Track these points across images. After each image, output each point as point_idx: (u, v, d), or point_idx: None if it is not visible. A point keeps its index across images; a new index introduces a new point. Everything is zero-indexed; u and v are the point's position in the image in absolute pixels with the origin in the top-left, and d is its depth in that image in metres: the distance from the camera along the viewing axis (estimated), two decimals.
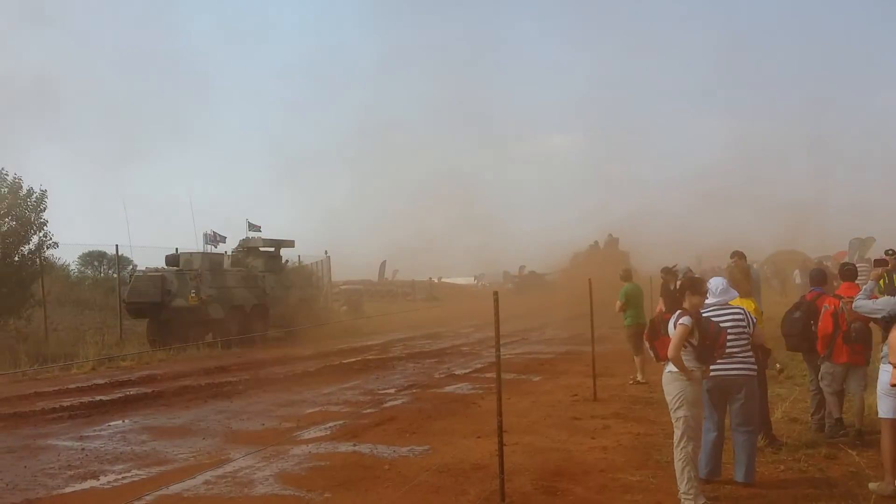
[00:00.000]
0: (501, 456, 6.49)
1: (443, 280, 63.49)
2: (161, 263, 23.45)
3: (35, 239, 20.29)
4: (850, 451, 7.82)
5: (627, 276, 13.55)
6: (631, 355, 13.32)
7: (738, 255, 10.27)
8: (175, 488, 7.36)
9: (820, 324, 8.42)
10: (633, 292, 13.18)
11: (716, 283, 7.05)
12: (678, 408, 6.28)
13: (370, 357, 18.82)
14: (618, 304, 13.19)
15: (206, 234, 27.21)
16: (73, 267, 32.93)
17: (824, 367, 8.46)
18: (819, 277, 9.19)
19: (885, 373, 6.56)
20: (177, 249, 23.66)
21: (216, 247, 26.57)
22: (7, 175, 19.66)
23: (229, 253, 25.92)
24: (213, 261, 23.34)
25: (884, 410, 6.64)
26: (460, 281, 66.18)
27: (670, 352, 6.23)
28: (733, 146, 77.95)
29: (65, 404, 12.50)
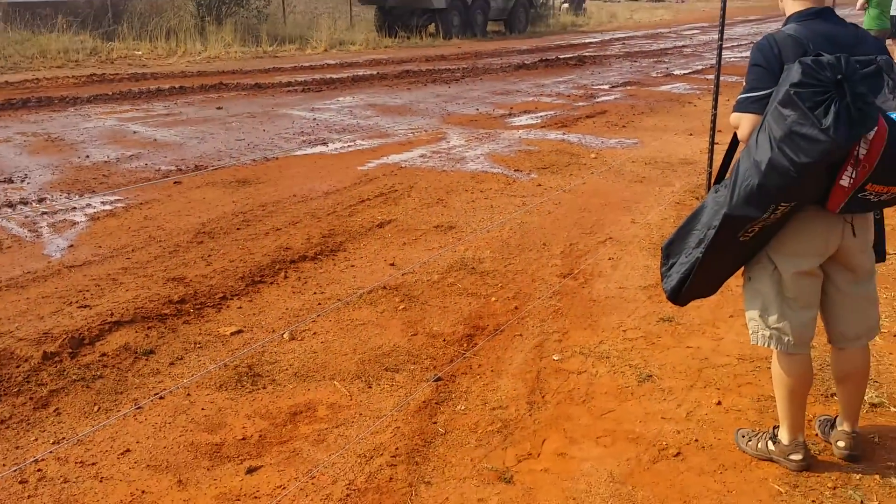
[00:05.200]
0: (711, 152, 6.41)
1: None
2: None
3: None
4: None
5: None
6: None
7: None
8: (394, 158, 7.92)
9: None
10: None
11: None
12: None
13: (587, 54, 18.46)
14: (859, 1, 11.81)
15: None
16: None
17: None
18: None
19: None
20: None
21: None
22: None
23: None
24: None
25: None
26: None
27: None
28: None
29: (299, 80, 13.44)
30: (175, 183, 6.93)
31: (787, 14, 2.67)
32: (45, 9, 17.75)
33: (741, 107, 2.57)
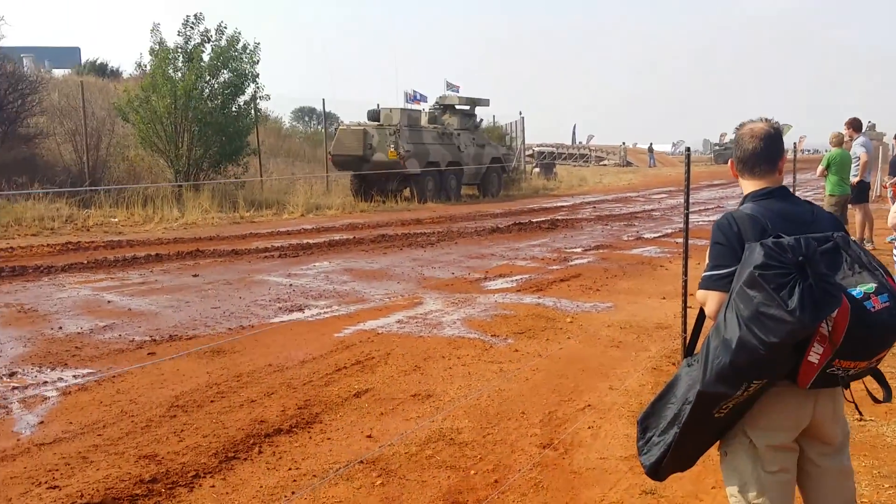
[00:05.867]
0: (685, 316, 6.50)
1: (638, 146, 62.08)
2: (364, 118, 24.36)
3: (250, 90, 21.41)
4: None
5: (837, 141, 12.64)
6: None
7: None
8: (371, 324, 7.94)
9: None
10: (838, 158, 12.19)
11: None
12: None
13: (559, 217, 18.97)
14: (819, 168, 12.40)
15: (406, 93, 27.89)
16: (286, 121, 34.98)
17: None
18: None
19: None
20: (378, 105, 24.40)
21: (416, 105, 27.22)
22: (226, 28, 20.71)
23: (426, 110, 26.46)
24: (412, 117, 23.93)
25: None
26: (657, 148, 64.47)
27: None
28: None
29: (276, 245, 13.63)
30: (149, 354, 6.87)
31: (745, 193, 2.82)
32: (22, 176, 18.06)
33: (706, 284, 2.67)
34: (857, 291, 2.42)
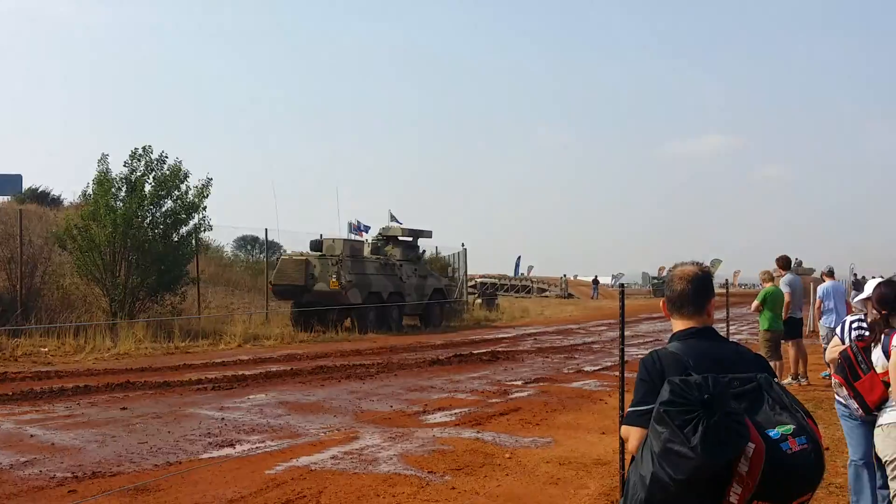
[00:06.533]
0: (622, 452, 6.43)
1: (578, 278, 63.24)
2: (307, 248, 24.40)
3: (193, 221, 21.30)
4: None
5: (768, 278, 13.05)
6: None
7: None
8: (304, 460, 7.68)
9: None
10: (772, 294, 12.59)
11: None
12: None
13: (500, 349, 18.95)
14: (754, 303, 12.73)
15: (350, 224, 28.19)
16: (227, 249, 34.73)
17: None
18: None
19: None
20: (321, 235, 24.51)
21: (360, 236, 27.46)
22: (167, 158, 20.76)
23: (369, 241, 26.66)
24: (354, 248, 24.05)
25: None
26: (600, 280, 65.70)
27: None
28: None
29: (210, 377, 13.29)
30: (69, 492, 6.52)
31: (673, 331, 2.86)
32: None
33: (629, 420, 2.67)
34: (775, 432, 2.45)
